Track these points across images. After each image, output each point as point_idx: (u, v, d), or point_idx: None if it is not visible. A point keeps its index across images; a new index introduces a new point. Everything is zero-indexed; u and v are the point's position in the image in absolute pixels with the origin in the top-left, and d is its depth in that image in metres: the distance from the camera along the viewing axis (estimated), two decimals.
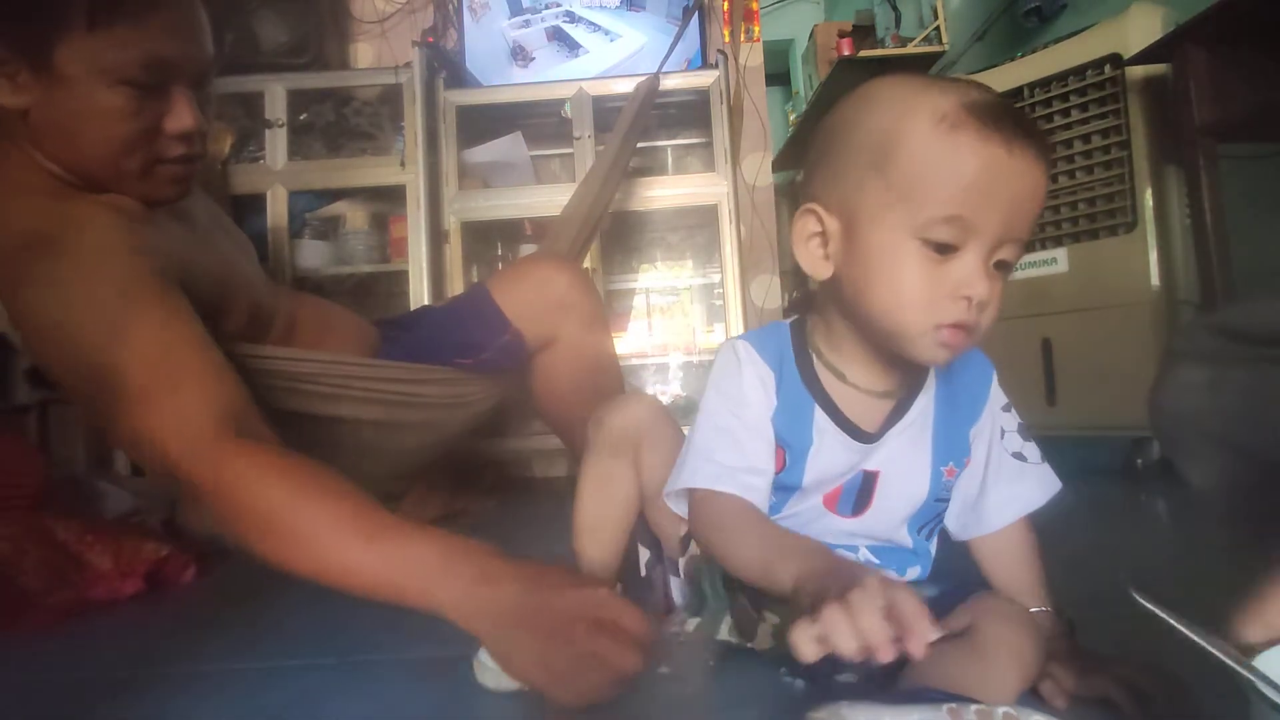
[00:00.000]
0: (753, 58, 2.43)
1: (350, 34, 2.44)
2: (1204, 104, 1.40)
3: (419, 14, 2.44)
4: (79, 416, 1.84)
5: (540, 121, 2.29)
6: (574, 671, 0.57)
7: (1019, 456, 0.65)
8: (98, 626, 0.97)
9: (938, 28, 2.84)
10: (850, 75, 2.85)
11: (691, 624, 0.67)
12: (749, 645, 0.65)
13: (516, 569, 0.62)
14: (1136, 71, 1.59)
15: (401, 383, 1.11)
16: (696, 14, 2.25)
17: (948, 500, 0.65)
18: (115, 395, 0.73)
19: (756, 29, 2.46)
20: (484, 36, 2.33)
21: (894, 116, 0.53)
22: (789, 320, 0.65)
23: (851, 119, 0.56)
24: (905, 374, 0.62)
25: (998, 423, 0.65)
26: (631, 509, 0.72)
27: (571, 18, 2.32)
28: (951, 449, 0.63)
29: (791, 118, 4.68)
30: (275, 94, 2.07)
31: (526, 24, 2.34)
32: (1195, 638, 0.38)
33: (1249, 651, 0.39)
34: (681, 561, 0.69)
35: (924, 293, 0.53)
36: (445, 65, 2.21)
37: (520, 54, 2.33)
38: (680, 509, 0.64)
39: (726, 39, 2.41)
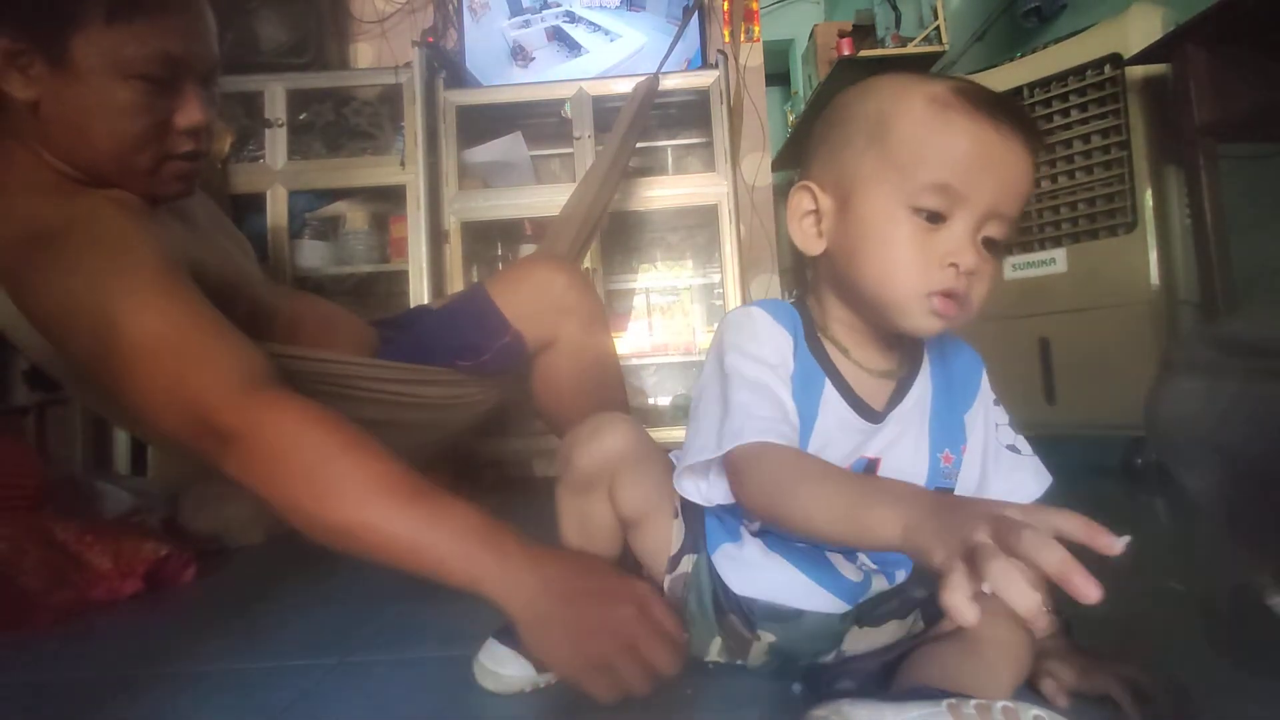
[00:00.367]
0: (753, 58, 2.43)
1: (350, 34, 2.44)
2: (1204, 104, 1.40)
3: (419, 14, 2.44)
4: (78, 417, 1.84)
5: (540, 121, 2.29)
6: (612, 662, 0.56)
7: (1013, 449, 0.65)
8: (97, 626, 0.97)
9: (938, 28, 2.84)
10: (850, 75, 2.85)
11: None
12: (739, 663, 0.65)
13: (558, 552, 0.61)
14: (1136, 71, 1.59)
15: (402, 383, 1.11)
16: (696, 14, 2.25)
17: (950, 491, 0.64)
18: (143, 362, 0.72)
19: (756, 29, 2.46)
20: (484, 36, 2.33)
21: (890, 98, 0.56)
22: (789, 300, 0.65)
23: (850, 105, 0.59)
24: (902, 354, 0.63)
25: (991, 416, 0.66)
26: (614, 539, 0.69)
27: (571, 18, 2.32)
28: (948, 435, 0.63)
29: (791, 118, 4.68)
30: (275, 94, 2.07)
31: (526, 24, 2.34)
32: None
33: None
34: (667, 580, 0.66)
35: (914, 260, 0.54)
36: (445, 65, 2.21)
37: (520, 54, 2.33)
38: (695, 492, 0.59)
39: (726, 39, 2.41)
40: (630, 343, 2.34)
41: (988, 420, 0.65)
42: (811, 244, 0.60)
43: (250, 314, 0.99)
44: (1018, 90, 1.79)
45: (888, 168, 0.55)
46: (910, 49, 2.83)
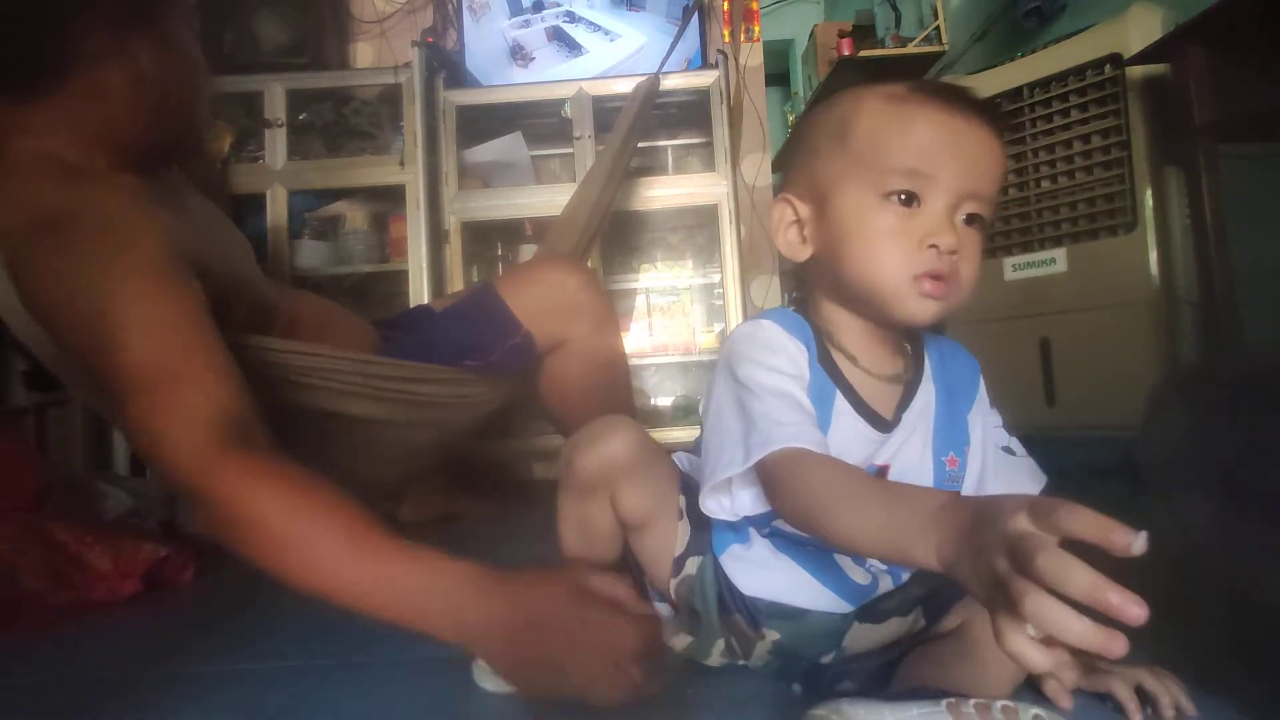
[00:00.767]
0: (753, 58, 2.43)
1: (350, 34, 2.44)
2: (1204, 104, 1.40)
3: (419, 14, 2.44)
4: (77, 417, 1.84)
5: (540, 121, 2.29)
6: (597, 668, 0.55)
7: (1008, 451, 0.66)
8: (97, 627, 0.97)
9: (938, 28, 2.84)
10: (850, 75, 2.85)
11: (680, 643, 0.66)
12: (743, 663, 0.65)
13: (517, 585, 0.59)
14: (1136, 71, 1.59)
15: (409, 381, 1.10)
16: (696, 14, 2.25)
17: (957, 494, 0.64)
18: (122, 387, 0.73)
19: (756, 29, 2.46)
20: (484, 36, 2.33)
21: (850, 103, 0.59)
22: (791, 308, 0.65)
23: (815, 118, 0.62)
24: (907, 358, 0.63)
25: (988, 418, 0.66)
26: (615, 543, 0.68)
27: (571, 18, 2.32)
28: (952, 438, 0.63)
29: (791, 118, 4.68)
30: (275, 94, 2.07)
31: (526, 24, 2.34)
32: None
33: None
34: (674, 584, 0.66)
35: (894, 245, 0.55)
36: (445, 65, 2.21)
37: (520, 54, 2.33)
38: (721, 509, 0.58)
39: (726, 39, 2.41)
40: (630, 343, 2.34)
41: (985, 422, 0.65)
42: (797, 251, 0.62)
43: (252, 311, 0.99)
44: (1018, 90, 1.79)
45: (855, 164, 0.57)
46: (910, 49, 2.83)
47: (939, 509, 0.42)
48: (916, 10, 2.89)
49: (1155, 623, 0.31)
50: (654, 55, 2.15)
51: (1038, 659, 0.33)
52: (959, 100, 0.55)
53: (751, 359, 0.58)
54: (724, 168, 2.12)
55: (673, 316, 2.40)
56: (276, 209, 2.06)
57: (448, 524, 1.62)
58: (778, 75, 4.57)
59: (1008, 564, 0.34)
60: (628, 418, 0.70)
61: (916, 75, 2.67)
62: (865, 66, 2.83)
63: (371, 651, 0.79)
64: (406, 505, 1.61)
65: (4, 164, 0.85)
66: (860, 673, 0.60)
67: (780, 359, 0.58)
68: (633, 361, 2.24)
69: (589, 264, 2.07)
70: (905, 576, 0.65)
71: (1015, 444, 0.67)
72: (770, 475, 0.53)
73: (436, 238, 2.10)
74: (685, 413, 2.24)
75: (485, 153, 2.19)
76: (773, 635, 0.63)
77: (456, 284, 2.09)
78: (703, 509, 0.59)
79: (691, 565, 0.65)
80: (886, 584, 0.64)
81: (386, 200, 2.17)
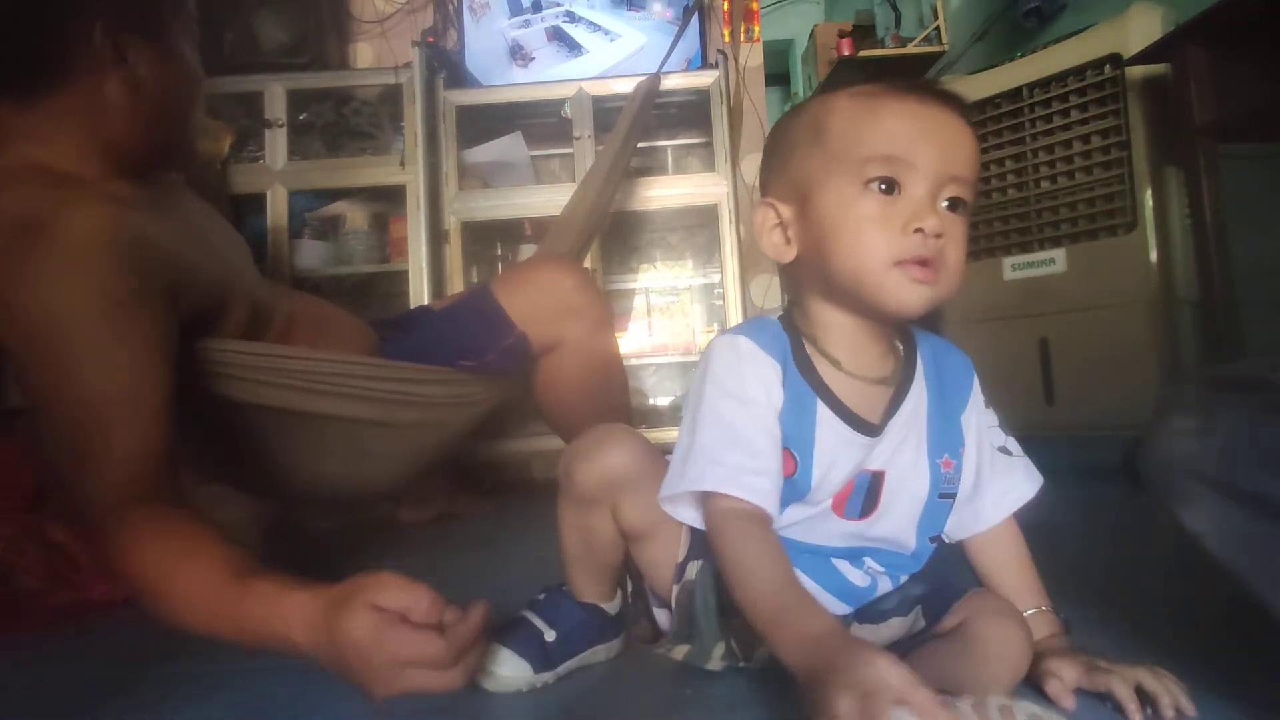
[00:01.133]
0: (753, 58, 2.43)
1: (350, 34, 2.44)
2: (1204, 104, 1.40)
3: (419, 14, 2.44)
4: None
5: (540, 121, 2.29)
6: (383, 674, 0.57)
7: (1004, 450, 0.66)
8: (96, 627, 0.97)
9: (938, 28, 2.84)
10: (850, 75, 2.85)
11: (680, 652, 0.66)
12: (742, 666, 0.65)
13: (316, 612, 0.61)
14: (1136, 71, 1.59)
15: (403, 382, 1.10)
16: (696, 14, 2.25)
17: (952, 497, 0.64)
18: (53, 413, 0.75)
19: (756, 29, 2.46)
20: (484, 36, 2.33)
21: (819, 105, 0.60)
22: (775, 315, 0.65)
23: (786, 124, 0.63)
24: (897, 359, 0.63)
25: (982, 418, 0.66)
26: (617, 549, 0.68)
27: (571, 18, 2.32)
28: (946, 440, 0.63)
29: None
30: (275, 94, 2.07)
31: (526, 24, 2.33)
32: None
33: None
34: (675, 590, 0.65)
35: (878, 233, 0.55)
36: (445, 65, 2.21)
37: (520, 54, 2.33)
38: (680, 513, 0.61)
39: (726, 39, 2.41)
40: (630, 343, 2.34)
41: (980, 423, 0.65)
42: (783, 253, 0.62)
43: (246, 314, 0.99)
44: (1017, 90, 1.79)
45: (833, 160, 0.57)
46: (910, 49, 2.83)
47: (816, 629, 0.49)
48: (916, 10, 2.88)
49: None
50: (654, 55, 2.15)
51: None
52: (927, 91, 0.57)
53: (717, 380, 0.60)
54: (724, 168, 2.12)
55: (672, 316, 2.40)
56: (276, 209, 2.06)
57: (447, 523, 1.62)
58: (778, 75, 4.57)
59: (851, 705, 0.41)
60: (626, 426, 0.70)
61: (916, 75, 2.67)
62: (865, 66, 2.83)
63: None
64: (406, 505, 1.61)
65: None
66: None
67: (748, 382, 0.59)
68: (632, 361, 2.25)
69: (588, 264, 2.07)
70: (904, 578, 0.65)
71: (1012, 444, 0.67)
72: (707, 520, 0.58)
73: (436, 238, 2.10)
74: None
75: (485, 153, 2.19)
76: None
77: (456, 284, 2.09)
78: (668, 510, 0.61)
79: (692, 570, 0.65)
80: (886, 585, 0.64)
81: (386, 200, 2.17)
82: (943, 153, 0.55)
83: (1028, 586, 0.63)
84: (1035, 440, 0.66)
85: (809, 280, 0.62)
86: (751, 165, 2.42)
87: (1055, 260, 1.74)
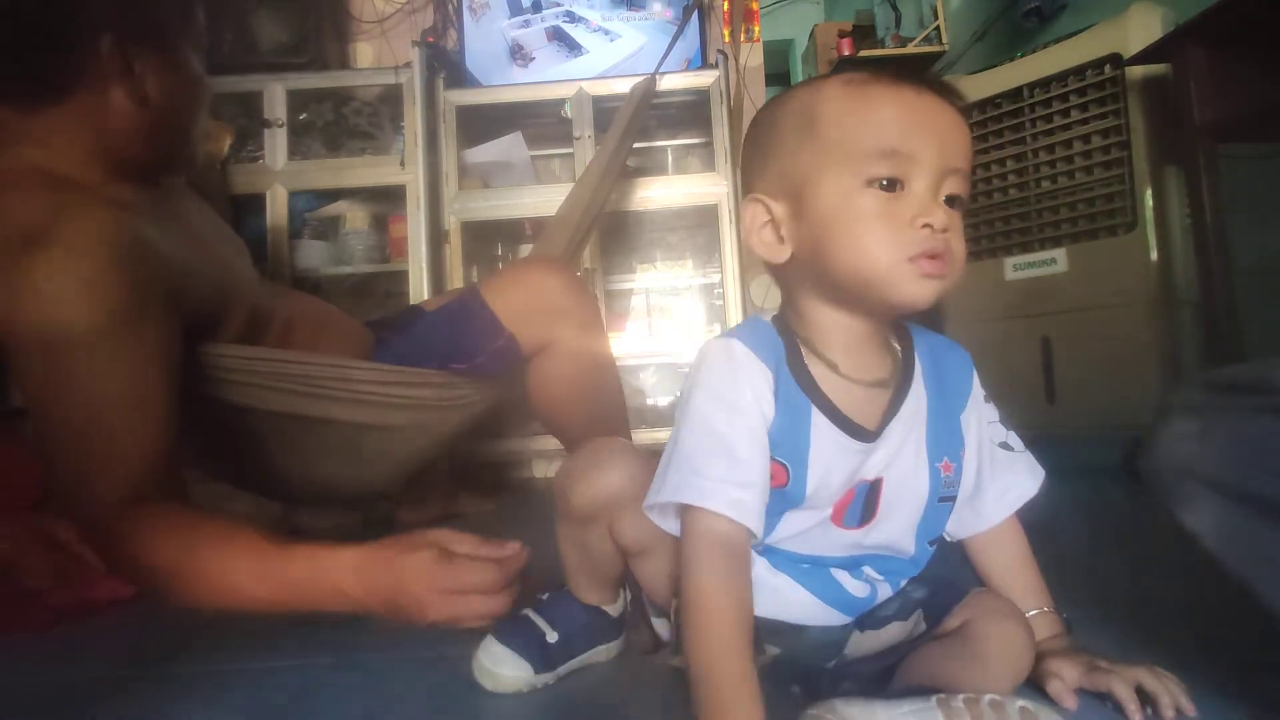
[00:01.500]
0: (753, 58, 2.43)
1: (350, 34, 2.44)
2: (1204, 104, 1.40)
3: (419, 14, 2.44)
4: None
5: (540, 121, 2.29)
6: (452, 603, 0.67)
7: (1005, 446, 0.64)
8: (97, 627, 0.97)
9: (938, 28, 2.84)
10: None
11: (680, 660, 0.66)
12: None
13: (373, 560, 0.70)
14: (1136, 71, 1.59)
15: (394, 385, 1.10)
16: (696, 14, 2.25)
17: (952, 500, 0.63)
18: (55, 427, 0.76)
19: (756, 29, 2.46)
20: (484, 36, 2.33)
21: (807, 93, 0.57)
22: (769, 317, 0.62)
23: (771, 115, 0.59)
24: (894, 360, 0.61)
25: (982, 414, 0.64)
26: (616, 563, 0.68)
27: (571, 18, 2.32)
28: (945, 442, 0.61)
29: None
30: (275, 94, 2.07)
31: (526, 24, 2.33)
32: None
33: None
34: (675, 603, 0.63)
35: (885, 230, 0.53)
36: (445, 65, 2.21)
37: (520, 54, 2.33)
38: (666, 523, 0.58)
39: (726, 39, 2.41)
40: (629, 343, 2.34)
41: (980, 419, 0.64)
42: (775, 252, 0.58)
43: (247, 317, 0.99)
44: (1018, 90, 1.79)
45: (828, 152, 0.54)
46: (910, 49, 2.83)
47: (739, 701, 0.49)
48: (916, 10, 2.89)
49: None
50: (654, 55, 2.15)
51: None
52: (917, 81, 0.55)
53: (707, 386, 0.56)
54: (724, 168, 2.12)
55: (672, 316, 2.40)
56: (276, 209, 2.06)
57: (447, 523, 1.62)
58: (778, 75, 4.56)
59: None
60: (622, 441, 0.69)
61: (916, 75, 2.67)
62: (865, 66, 2.82)
63: (371, 650, 0.79)
64: (405, 506, 1.61)
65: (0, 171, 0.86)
66: (861, 675, 0.59)
67: (739, 390, 0.56)
68: (632, 361, 2.25)
69: (586, 263, 2.07)
70: (903, 582, 0.64)
71: (1013, 438, 0.65)
72: (684, 532, 0.55)
73: (436, 238, 2.10)
74: None
75: (485, 153, 2.19)
76: (773, 651, 0.62)
77: (456, 284, 2.08)
78: (664, 528, 0.58)
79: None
80: (885, 591, 0.62)
81: (386, 200, 2.17)
82: (942, 144, 0.54)
83: (1030, 587, 0.63)
84: (1036, 439, 0.66)
85: (804, 280, 0.59)
86: None
87: (1056, 260, 1.75)
